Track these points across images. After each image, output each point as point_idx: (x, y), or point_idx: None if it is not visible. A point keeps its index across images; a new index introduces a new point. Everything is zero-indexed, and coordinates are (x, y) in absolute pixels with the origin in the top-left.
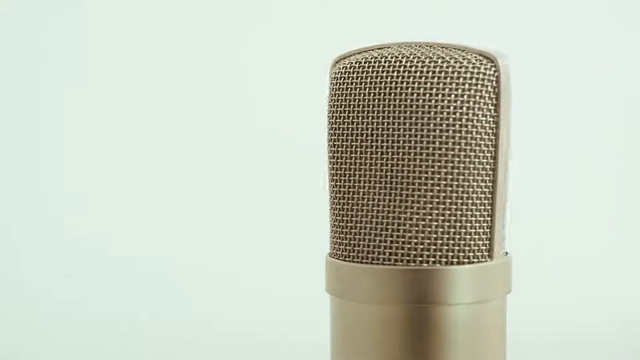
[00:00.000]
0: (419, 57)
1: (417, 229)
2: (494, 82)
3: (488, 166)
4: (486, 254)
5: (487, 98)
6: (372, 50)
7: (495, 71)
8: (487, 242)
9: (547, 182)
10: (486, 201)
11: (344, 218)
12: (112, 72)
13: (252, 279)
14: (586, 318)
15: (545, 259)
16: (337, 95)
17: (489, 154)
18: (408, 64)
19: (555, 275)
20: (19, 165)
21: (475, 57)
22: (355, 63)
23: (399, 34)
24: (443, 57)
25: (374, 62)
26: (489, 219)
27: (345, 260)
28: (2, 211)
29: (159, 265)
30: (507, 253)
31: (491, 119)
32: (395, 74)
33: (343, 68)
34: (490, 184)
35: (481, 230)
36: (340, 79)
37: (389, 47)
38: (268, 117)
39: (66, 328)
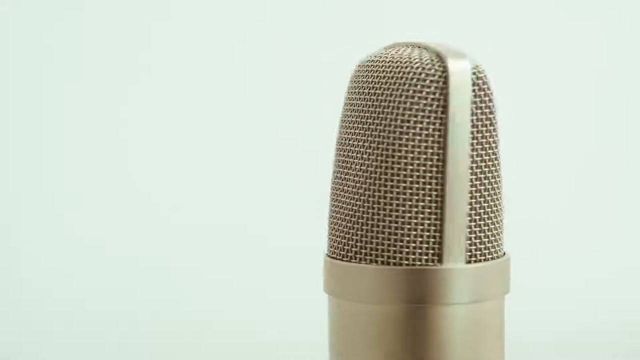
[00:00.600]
0: (386, 59)
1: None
2: (440, 83)
3: (435, 169)
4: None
5: (430, 99)
6: (381, 50)
7: (443, 72)
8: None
9: (546, 182)
10: (434, 204)
11: (342, 216)
12: (112, 72)
13: (251, 279)
14: (585, 318)
15: (544, 259)
16: (346, 96)
17: (436, 158)
18: (376, 67)
19: (554, 275)
20: (19, 165)
21: (430, 57)
22: (362, 63)
23: (399, 34)
24: (401, 59)
25: (370, 64)
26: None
27: (343, 260)
28: (2, 211)
29: (159, 265)
30: (504, 253)
31: (437, 121)
32: (372, 76)
33: (356, 68)
34: (435, 193)
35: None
36: (351, 80)
37: (393, 48)
38: (268, 117)
39: (66, 328)
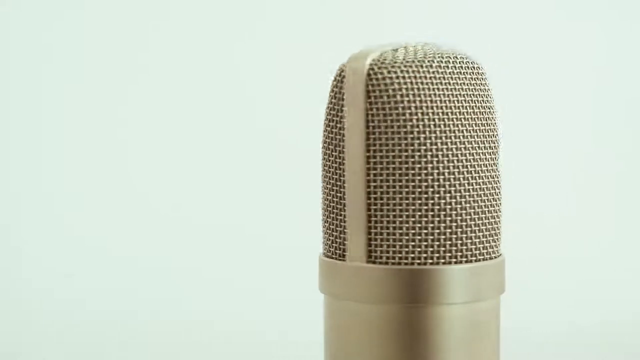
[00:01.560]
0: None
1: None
2: (338, 83)
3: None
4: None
5: (337, 101)
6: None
7: (341, 73)
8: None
9: (544, 181)
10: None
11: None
12: (112, 72)
13: (251, 278)
14: (583, 318)
15: (541, 259)
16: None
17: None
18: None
19: (551, 275)
20: (19, 165)
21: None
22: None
23: (400, 34)
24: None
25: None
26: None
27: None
28: (2, 211)
29: (159, 265)
30: (500, 253)
31: (339, 124)
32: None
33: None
34: (339, 194)
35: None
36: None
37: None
38: (266, 117)
39: (66, 328)
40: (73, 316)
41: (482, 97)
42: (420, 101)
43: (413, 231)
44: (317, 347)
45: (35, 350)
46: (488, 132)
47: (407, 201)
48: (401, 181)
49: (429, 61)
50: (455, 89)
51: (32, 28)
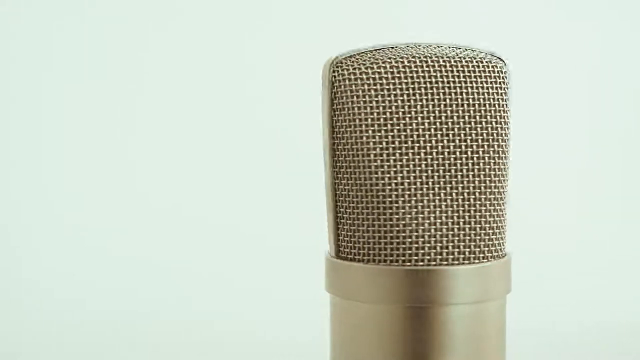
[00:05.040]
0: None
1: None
2: (507, 79)
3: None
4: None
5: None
6: (383, 49)
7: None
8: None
9: (548, 181)
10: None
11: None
12: (112, 71)
13: (252, 278)
14: (591, 318)
15: (546, 258)
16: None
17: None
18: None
19: (558, 275)
20: (19, 165)
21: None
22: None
23: (402, 34)
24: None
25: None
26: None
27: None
28: (2, 211)
29: (159, 265)
30: (506, 253)
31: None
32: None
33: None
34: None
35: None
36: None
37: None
38: (268, 118)
39: (66, 328)
40: (73, 316)
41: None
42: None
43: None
44: (323, 347)
45: (35, 350)
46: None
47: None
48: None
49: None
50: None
51: (33, 28)
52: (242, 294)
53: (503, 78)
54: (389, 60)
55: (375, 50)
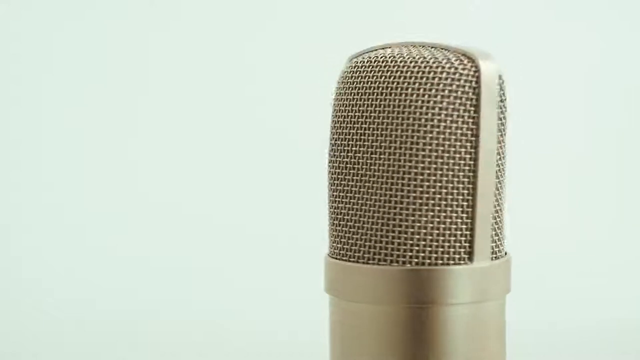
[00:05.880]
0: (396, 59)
1: (414, 228)
2: (473, 83)
3: (467, 168)
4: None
5: (464, 99)
6: (376, 50)
7: (475, 71)
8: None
9: (547, 181)
10: (466, 202)
11: (344, 217)
12: (113, 71)
13: (253, 279)
14: (590, 317)
15: (545, 258)
16: (341, 95)
17: (467, 155)
18: (383, 66)
19: (558, 275)
20: (19, 165)
21: (457, 58)
22: (360, 63)
23: (403, 35)
24: (419, 59)
25: (374, 63)
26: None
27: (345, 260)
28: (2, 211)
29: (160, 265)
30: (506, 253)
31: (470, 120)
32: (387, 74)
33: (349, 68)
34: (466, 191)
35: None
36: (345, 79)
37: (390, 47)
38: (269, 118)
39: (66, 328)
40: (73, 316)
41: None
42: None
43: (419, 232)
44: (323, 347)
45: (35, 350)
46: (505, 131)
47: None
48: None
49: None
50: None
51: (37, 31)
52: (243, 294)
53: (462, 81)
54: (362, 60)
55: (377, 49)
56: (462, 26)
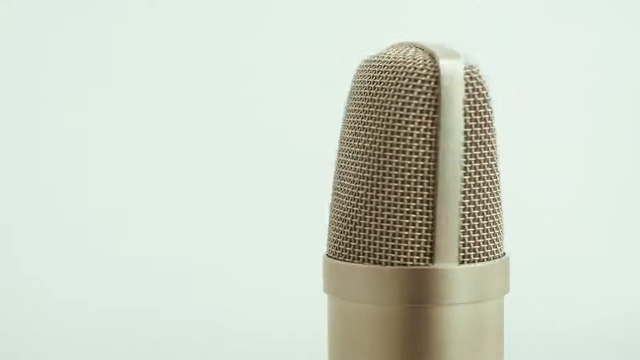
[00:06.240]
0: (385, 59)
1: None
2: (432, 83)
3: (427, 169)
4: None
5: (422, 99)
6: (382, 50)
7: (435, 71)
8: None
9: (547, 180)
10: (426, 204)
11: (342, 217)
12: (113, 70)
13: (253, 279)
14: (589, 318)
15: (545, 258)
16: (349, 97)
17: (427, 157)
18: (376, 66)
19: (557, 275)
20: (19, 165)
21: (423, 57)
22: (361, 63)
23: (405, 34)
24: (396, 59)
25: (369, 63)
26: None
27: (344, 260)
28: (2, 211)
29: (160, 265)
30: (504, 253)
31: (428, 121)
32: (371, 75)
33: (357, 71)
34: (427, 193)
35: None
36: (352, 81)
37: (393, 48)
38: (270, 116)
39: (66, 328)
40: (73, 316)
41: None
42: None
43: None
44: (323, 347)
45: (35, 350)
46: (483, 131)
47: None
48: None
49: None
50: None
51: (35, 30)
52: (243, 294)
53: (419, 82)
54: (363, 61)
55: (384, 49)
56: (462, 26)
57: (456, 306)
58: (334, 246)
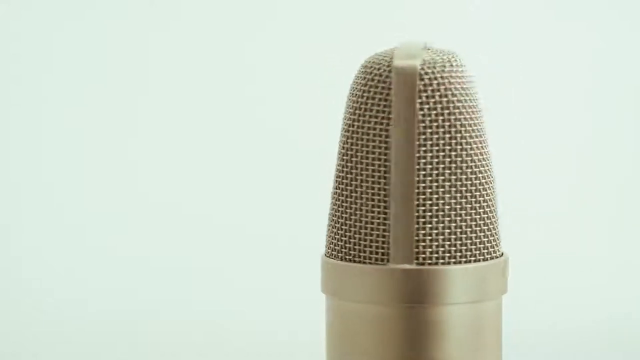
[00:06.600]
0: (368, 60)
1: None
2: (388, 84)
3: (383, 169)
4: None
5: (378, 99)
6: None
7: (389, 71)
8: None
9: (545, 180)
10: (383, 204)
11: (342, 216)
12: (113, 70)
13: (253, 278)
14: (587, 318)
15: (544, 258)
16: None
17: (383, 157)
18: (361, 67)
19: (555, 275)
20: (19, 165)
21: (385, 56)
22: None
23: (403, 35)
24: (368, 59)
25: (363, 64)
26: (485, 218)
27: (342, 260)
28: (2, 211)
29: (160, 265)
30: (502, 253)
31: (385, 121)
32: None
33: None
34: (382, 182)
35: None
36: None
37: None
38: (270, 116)
39: (66, 328)
40: (73, 316)
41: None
42: (460, 101)
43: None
44: (321, 348)
45: (35, 350)
46: (459, 131)
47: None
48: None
49: (459, 60)
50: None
51: (35, 30)
52: (243, 294)
53: (375, 82)
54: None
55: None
56: (462, 26)
57: (453, 306)
58: (331, 246)
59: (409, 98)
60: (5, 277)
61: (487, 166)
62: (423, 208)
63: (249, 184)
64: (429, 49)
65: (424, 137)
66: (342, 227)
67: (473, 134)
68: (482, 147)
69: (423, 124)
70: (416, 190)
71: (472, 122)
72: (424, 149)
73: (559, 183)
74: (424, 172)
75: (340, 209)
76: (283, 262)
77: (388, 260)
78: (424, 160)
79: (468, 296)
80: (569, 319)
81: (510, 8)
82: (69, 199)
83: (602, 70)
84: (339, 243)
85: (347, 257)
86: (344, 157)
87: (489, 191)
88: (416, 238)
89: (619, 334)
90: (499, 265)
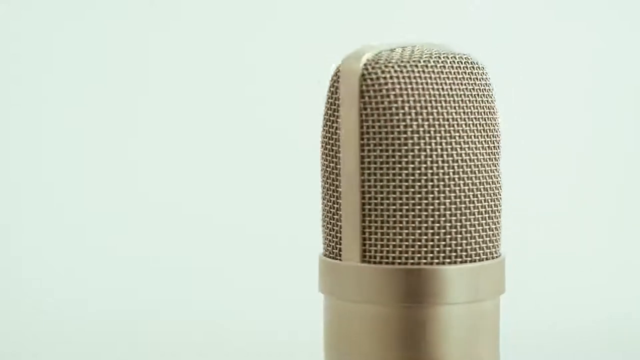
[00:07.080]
0: None
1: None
2: (335, 84)
3: (336, 171)
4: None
5: (333, 101)
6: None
7: (337, 72)
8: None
9: (544, 180)
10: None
11: (324, 216)
12: (113, 70)
13: (253, 278)
14: (584, 318)
15: (542, 258)
16: None
17: (339, 156)
18: None
19: (552, 275)
20: (19, 165)
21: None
22: None
23: (403, 35)
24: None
25: None
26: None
27: (338, 260)
28: (2, 211)
29: (160, 265)
30: (500, 254)
31: (335, 124)
32: None
33: None
34: (336, 194)
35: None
36: None
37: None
38: (269, 116)
39: (66, 328)
40: (73, 316)
41: (482, 97)
42: (415, 101)
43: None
44: (321, 348)
45: (35, 350)
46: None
47: (400, 201)
48: (394, 181)
49: (424, 61)
50: (452, 89)
51: (35, 30)
52: (243, 294)
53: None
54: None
55: (395, 50)
56: (462, 26)
57: (451, 306)
58: (329, 245)
59: (352, 99)
60: (5, 277)
61: (455, 165)
62: (369, 207)
63: (248, 184)
64: (395, 49)
65: (367, 137)
66: (325, 226)
67: (425, 134)
68: (445, 145)
69: (366, 124)
70: (361, 189)
71: (426, 121)
72: (367, 148)
73: (559, 183)
74: (368, 172)
75: (323, 209)
76: (283, 262)
77: (340, 258)
78: (368, 160)
79: (465, 296)
80: (569, 319)
81: (510, 8)
82: (69, 199)
83: (602, 70)
84: (330, 243)
85: (331, 255)
86: (321, 161)
87: (495, 191)
88: (363, 236)
89: (619, 334)
90: (495, 265)
